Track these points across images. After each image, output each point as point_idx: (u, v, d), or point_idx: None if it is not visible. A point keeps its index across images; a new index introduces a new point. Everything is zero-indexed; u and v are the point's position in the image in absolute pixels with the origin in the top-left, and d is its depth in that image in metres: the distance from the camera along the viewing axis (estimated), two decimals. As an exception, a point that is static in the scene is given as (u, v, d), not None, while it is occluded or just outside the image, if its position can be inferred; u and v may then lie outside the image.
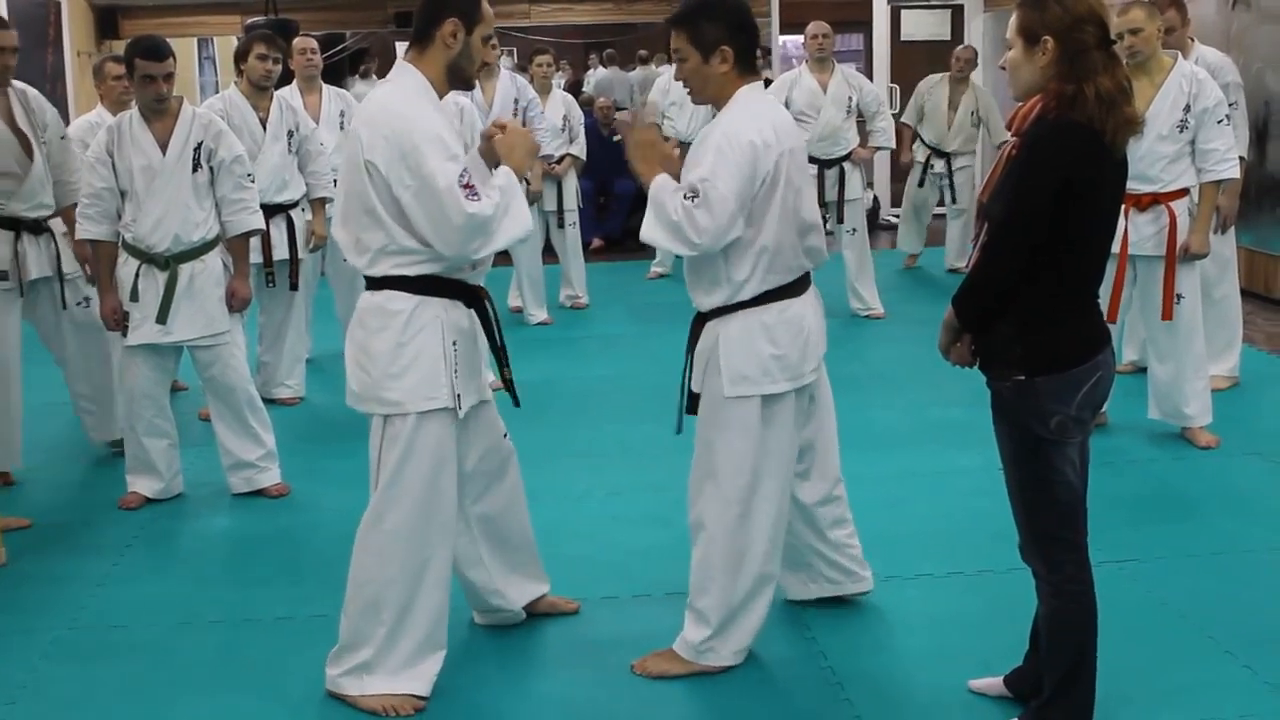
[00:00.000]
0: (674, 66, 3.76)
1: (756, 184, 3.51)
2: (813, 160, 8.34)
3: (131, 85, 5.11)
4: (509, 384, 3.84)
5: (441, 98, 3.58)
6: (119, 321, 5.13)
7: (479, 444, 3.83)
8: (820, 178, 8.34)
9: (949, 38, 12.99)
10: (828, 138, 8.41)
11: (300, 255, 6.67)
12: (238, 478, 5.38)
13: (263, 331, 6.84)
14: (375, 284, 3.57)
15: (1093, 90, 2.93)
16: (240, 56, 6.53)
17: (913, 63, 12.82)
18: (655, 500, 5.09)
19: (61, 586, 4.50)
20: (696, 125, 9.28)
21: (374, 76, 13.29)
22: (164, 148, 5.06)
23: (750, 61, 3.66)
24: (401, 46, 16.33)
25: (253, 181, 5.35)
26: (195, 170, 5.09)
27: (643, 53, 19.35)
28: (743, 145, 3.48)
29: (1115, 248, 5.44)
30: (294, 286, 6.68)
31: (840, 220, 8.43)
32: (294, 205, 6.63)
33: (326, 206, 6.83)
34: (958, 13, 13.46)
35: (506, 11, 12.28)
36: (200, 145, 5.10)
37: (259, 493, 5.39)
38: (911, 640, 3.97)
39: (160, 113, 5.06)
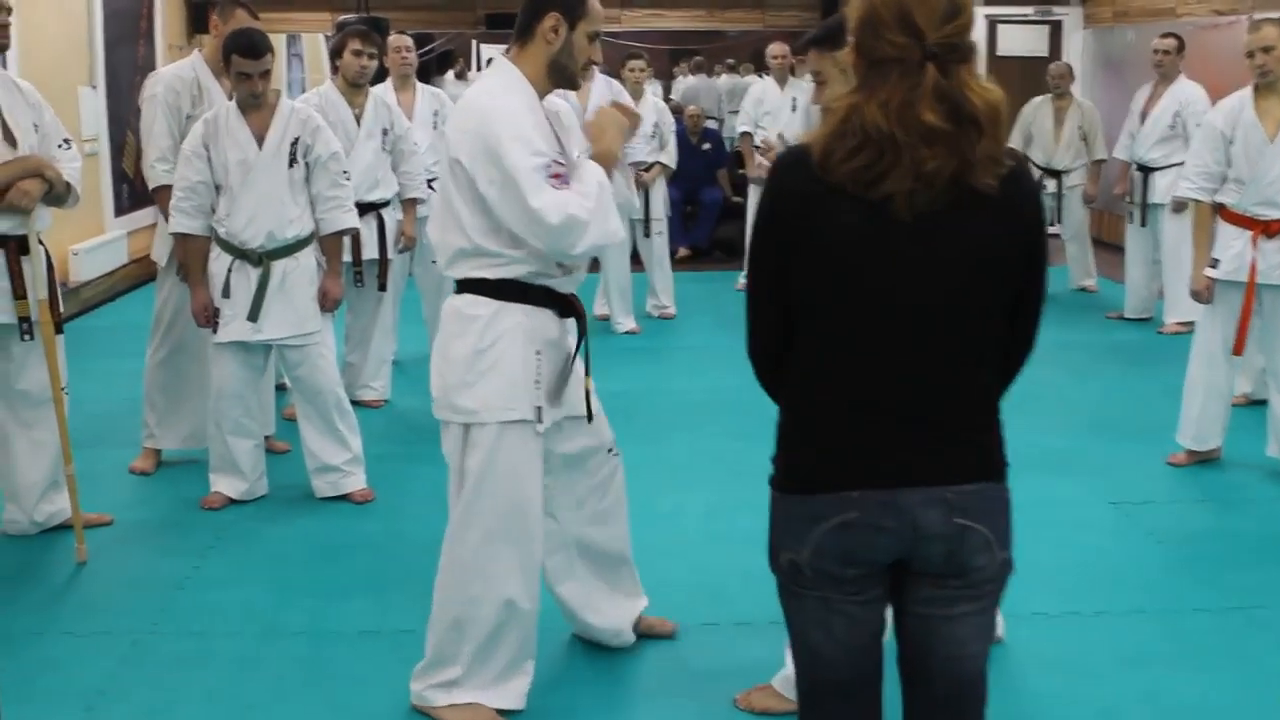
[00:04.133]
0: (811, 88, 3.56)
1: None
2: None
3: (230, 80, 4.99)
4: (589, 405, 3.63)
5: (542, 97, 3.43)
6: (209, 318, 5.02)
7: (580, 457, 3.67)
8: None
9: (1046, 54, 12.68)
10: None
11: (390, 256, 6.55)
12: (322, 481, 5.25)
13: (349, 332, 6.73)
14: (459, 287, 3.47)
15: (842, 111, 2.16)
16: (335, 53, 6.44)
17: (1009, 79, 12.42)
18: (753, 521, 4.86)
19: (142, 589, 4.39)
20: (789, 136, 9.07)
21: (468, 77, 13.23)
22: (260, 142, 4.95)
23: None
24: (487, 49, 16.33)
25: (349, 179, 5.22)
26: (291, 166, 4.97)
27: (730, 61, 19.19)
28: None
29: (1240, 276, 5.30)
30: (382, 287, 6.56)
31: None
32: (385, 204, 6.52)
33: (418, 207, 6.75)
34: (1055, 28, 13.14)
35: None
36: (297, 140, 4.98)
37: (343, 498, 5.26)
38: (1040, 681, 3.76)
39: (257, 107, 4.95)
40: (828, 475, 2.24)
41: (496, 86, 3.40)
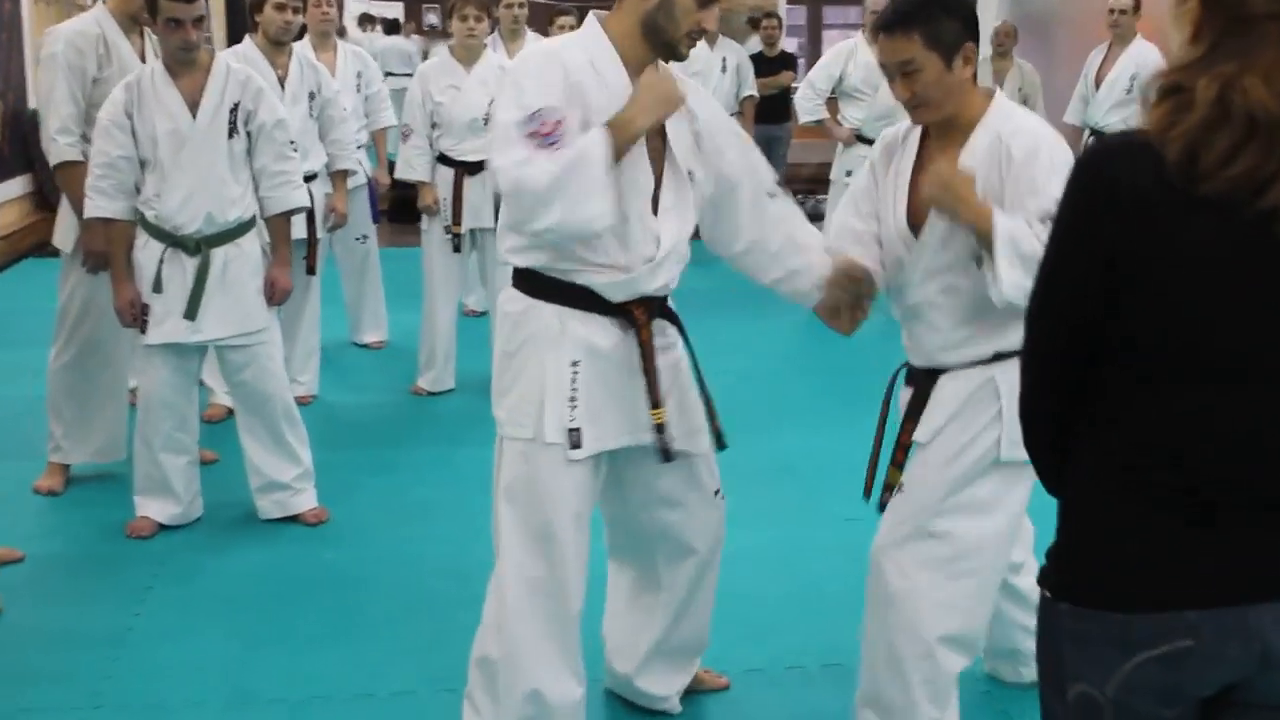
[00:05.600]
0: (891, 83, 2.89)
1: None
2: (867, 141, 7.65)
3: (158, 30, 4.21)
4: (658, 429, 2.99)
5: (638, 69, 2.83)
6: (136, 316, 4.26)
7: (678, 504, 3.10)
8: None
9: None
10: (885, 117, 7.62)
11: (318, 235, 5.81)
12: (268, 501, 4.55)
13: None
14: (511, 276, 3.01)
15: (1214, 91, 1.57)
16: (255, 7, 5.66)
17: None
18: (774, 540, 4.36)
19: (73, 648, 3.64)
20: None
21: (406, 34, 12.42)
22: (194, 109, 4.20)
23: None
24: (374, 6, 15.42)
25: (296, 150, 4.51)
26: (231, 136, 4.24)
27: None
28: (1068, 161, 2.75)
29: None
30: (311, 270, 5.80)
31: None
32: (313, 177, 5.77)
33: (348, 179, 6.05)
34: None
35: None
36: (237, 106, 4.24)
37: (293, 519, 4.57)
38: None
39: (189, 65, 4.20)
40: (1152, 588, 1.66)
41: (559, 38, 2.97)
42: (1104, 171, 1.63)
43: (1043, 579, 1.79)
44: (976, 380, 2.87)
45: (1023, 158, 2.75)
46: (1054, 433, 1.78)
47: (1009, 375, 2.78)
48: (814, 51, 15.62)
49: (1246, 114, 1.54)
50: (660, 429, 2.95)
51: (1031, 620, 3.21)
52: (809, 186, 12.20)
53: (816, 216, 11.65)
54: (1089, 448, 1.74)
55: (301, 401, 5.84)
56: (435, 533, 4.48)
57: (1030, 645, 3.16)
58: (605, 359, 2.89)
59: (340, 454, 5.25)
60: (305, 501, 4.59)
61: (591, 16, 2.88)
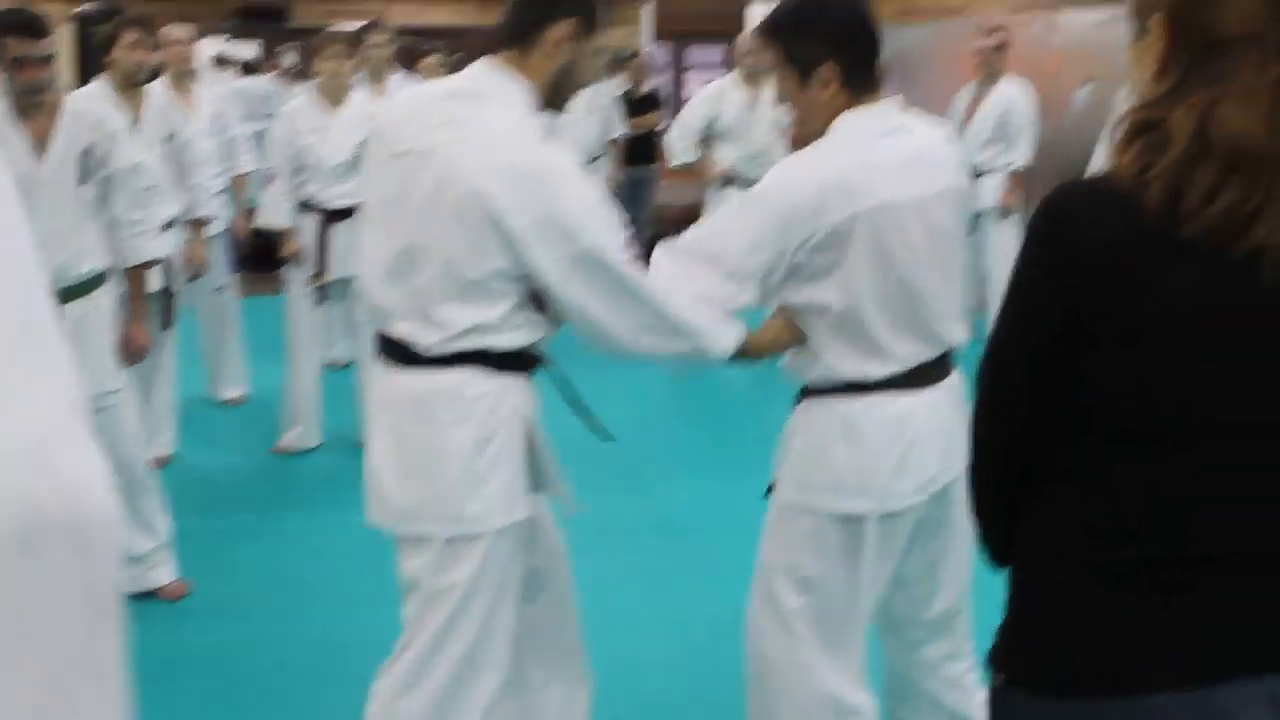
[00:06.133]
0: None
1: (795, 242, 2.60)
2: (740, 181, 7.58)
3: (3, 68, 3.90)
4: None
5: None
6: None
7: (533, 539, 2.89)
8: (748, 201, 7.52)
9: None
10: (758, 157, 7.58)
11: (176, 286, 5.48)
12: (123, 576, 4.21)
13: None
14: (444, 360, 2.61)
15: (1192, 122, 1.44)
16: (107, 46, 5.35)
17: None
18: (660, 603, 4.18)
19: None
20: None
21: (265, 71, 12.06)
22: (42, 153, 3.89)
23: (863, 80, 2.66)
24: (232, 47, 14.99)
25: (154, 197, 4.22)
26: (82, 183, 3.93)
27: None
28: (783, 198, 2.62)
29: None
30: (167, 324, 5.48)
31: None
32: (169, 225, 5.45)
33: (206, 227, 5.76)
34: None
35: (359, 10, 11.19)
36: (88, 150, 3.94)
37: (151, 594, 4.25)
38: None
39: (36, 108, 3.89)
40: (1116, 671, 1.53)
41: (523, 116, 2.59)
42: (1068, 221, 1.50)
43: (995, 661, 1.65)
44: (791, 421, 2.81)
45: None
46: (1005, 501, 1.64)
47: (800, 412, 2.76)
48: (678, 92, 15.61)
49: (1227, 145, 1.41)
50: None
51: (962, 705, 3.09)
52: (676, 227, 12.14)
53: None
54: (1044, 516, 1.61)
55: (158, 463, 5.54)
56: (309, 606, 4.20)
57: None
58: (534, 418, 2.75)
59: (201, 520, 4.93)
60: (164, 575, 4.27)
61: (510, 75, 2.59)
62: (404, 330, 2.61)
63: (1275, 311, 1.45)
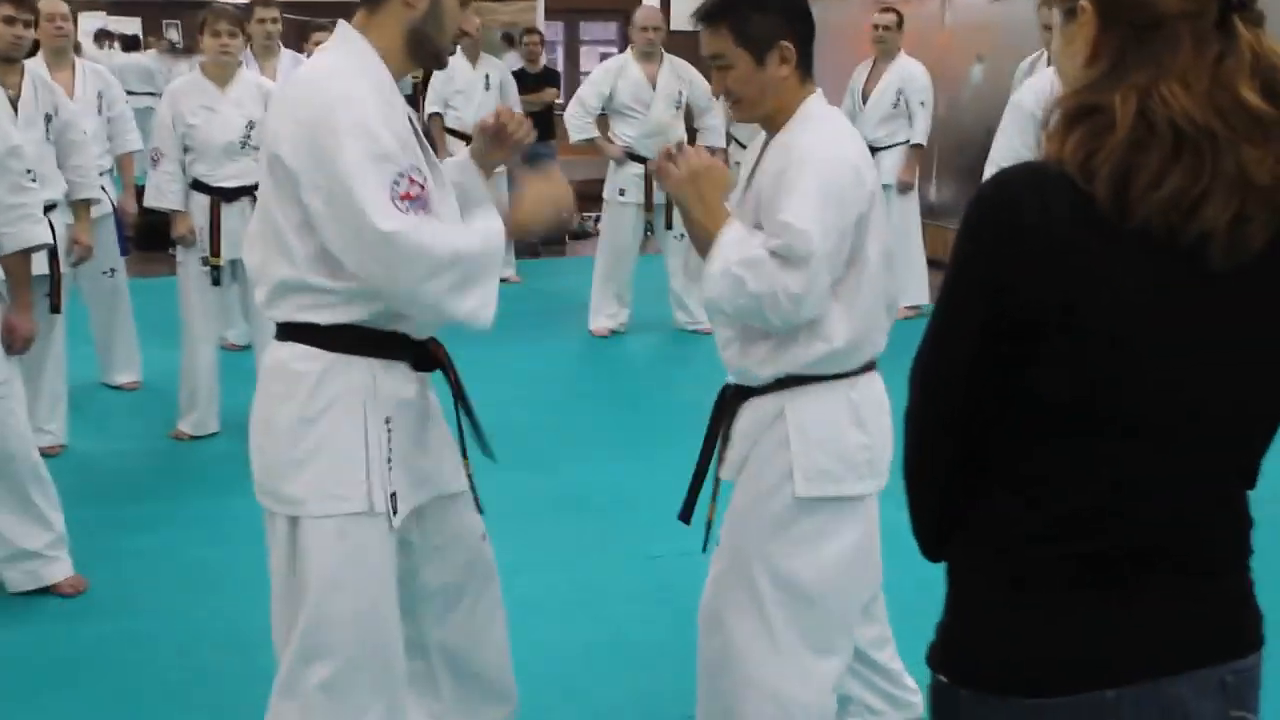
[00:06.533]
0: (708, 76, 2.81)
1: (853, 223, 2.59)
2: (638, 159, 7.54)
3: None
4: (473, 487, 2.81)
5: (399, 78, 2.57)
6: None
7: (445, 550, 2.82)
8: (647, 179, 7.49)
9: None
10: (657, 134, 7.54)
11: (62, 270, 5.29)
12: (18, 571, 4.08)
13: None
14: (282, 332, 2.59)
15: (1133, 104, 1.41)
16: (-21, 19, 5.13)
17: (684, 55, 12.08)
18: (571, 582, 4.14)
19: None
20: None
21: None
22: (-85, 135, 3.73)
23: (810, 63, 2.71)
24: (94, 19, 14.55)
25: (34, 180, 4.06)
26: (-42, 167, 3.78)
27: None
28: (837, 175, 2.58)
29: None
30: (55, 309, 5.28)
31: (669, 225, 7.59)
32: (52, 207, 5.25)
33: (92, 208, 5.56)
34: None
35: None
36: (-37, 133, 3.78)
37: (47, 590, 4.10)
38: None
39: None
40: (1064, 667, 1.49)
41: (338, 62, 2.52)
42: (1007, 209, 1.45)
43: (935, 660, 1.61)
44: (771, 409, 2.73)
45: (780, 171, 2.60)
46: (940, 496, 1.60)
47: (797, 403, 2.68)
48: (572, 68, 15.50)
49: (1170, 125, 1.38)
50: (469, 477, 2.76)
51: (896, 694, 3.10)
52: (578, 203, 12.07)
53: (582, 234, 11.58)
54: (983, 512, 1.57)
55: (49, 453, 5.35)
56: (211, 598, 4.08)
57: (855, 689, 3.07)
58: (410, 410, 2.63)
59: (97, 511, 4.78)
60: (60, 570, 4.12)
61: (353, 34, 2.53)
62: (261, 299, 2.59)
63: (1225, 298, 1.43)
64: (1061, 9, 1.54)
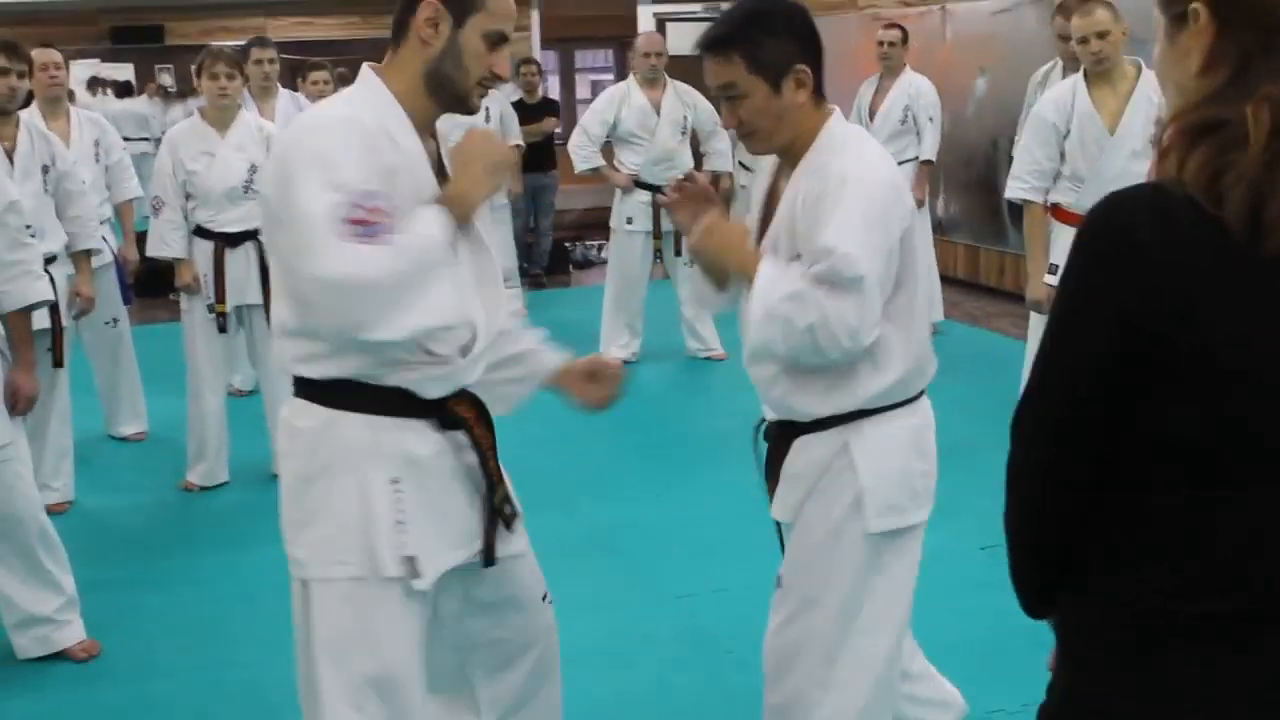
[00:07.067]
0: (717, 107, 2.68)
1: (898, 242, 2.48)
2: (645, 186, 7.43)
3: None
4: (489, 547, 2.57)
5: (427, 125, 2.45)
6: None
7: (498, 610, 2.68)
8: (654, 206, 7.38)
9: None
10: (662, 161, 7.45)
11: (63, 323, 5.16)
12: (28, 638, 3.95)
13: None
14: (293, 386, 2.50)
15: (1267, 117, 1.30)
16: (-28, 71, 5.03)
17: (680, 79, 12.00)
18: (603, 628, 4.01)
19: None
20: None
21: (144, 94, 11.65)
22: (-92, 193, 3.61)
23: (821, 81, 2.58)
24: (109, 69, 14.49)
25: (33, 236, 3.94)
26: (-47, 223, 3.67)
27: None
28: (878, 195, 2.47)
29: None
30: (58, 363, 5.15)
31: (678, 252, 7.47)
32: (52, 260, 5.14)
33: (92, 259, 5.45)
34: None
35: (237, 27, 10.88)
36: (-42, 188, 3.67)
37: (58, 656, 3.97)
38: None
39: (-99, 144, 3.62)
40: None
41: (335, 102, 2.46)
42: (1124, 233, 1.32)
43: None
44: (831, 445, 2.60)
45: (817, 196, 2.47)
46: (1054, 554, 1.47)
47: (863, 436, 2.57)
48: (568, 95, 15.44)
49: None
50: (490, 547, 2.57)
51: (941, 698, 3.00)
52: (576, 232, 11.98)
53: (586, 263, 11.48)
54: (1106, 567, 1.43)
55: (56, 510, 5.23)
56: (229, 656, 3.96)
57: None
58: (425, 469, 2.46)
59: (108, 570, 4.66)
60: (71, 634, 3.99)
61: (368, 72, 2.44)
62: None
63: None
64: (1169, 14, 1.41)
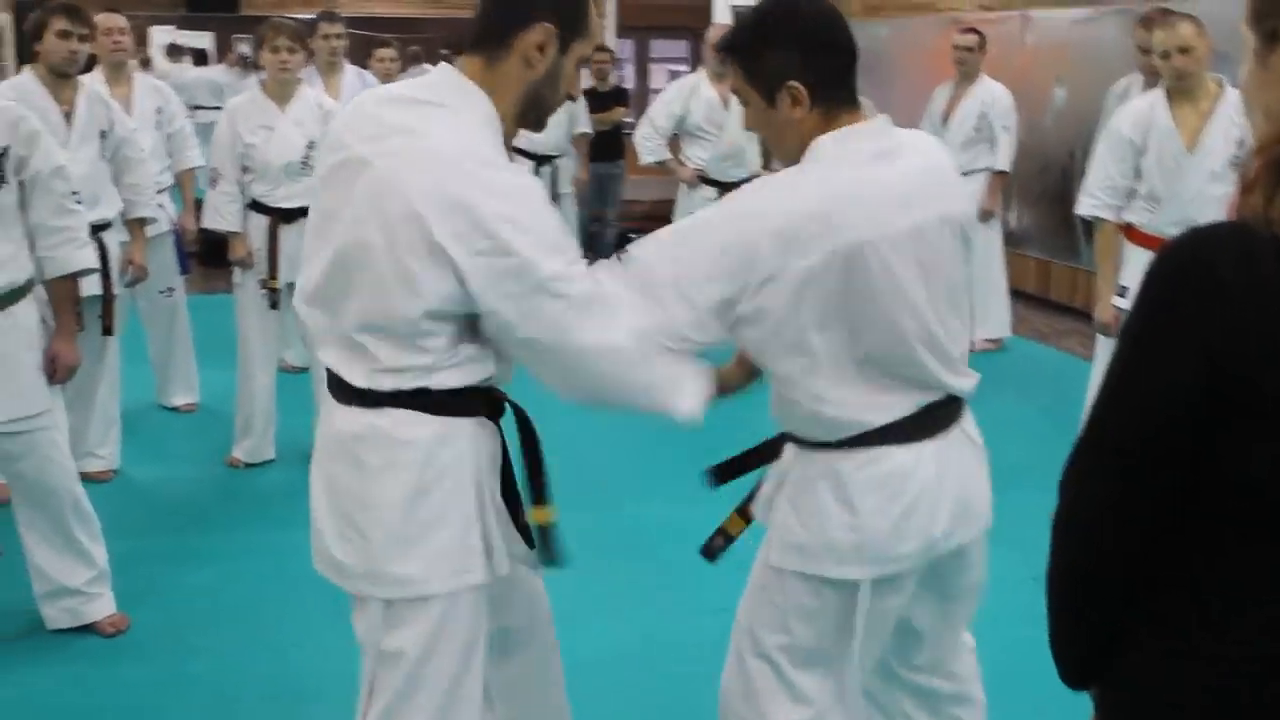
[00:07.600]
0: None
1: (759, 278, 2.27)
2: (712, 183, 7.29)
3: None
4: (526, 531, 2.45)
5: (507, 142, 2.32)
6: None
7: (510, 598, 2.58)
8: (719, 202, 7.24)
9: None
10: (731, 157, 7.30)
11: (115, 291, 5.14)
12: (56, 609, 3.91)
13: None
14: (374, 398, 2.28)
15: None
16: (36, 33, 4.99)
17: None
18: (635, 636, 3.91)
19: None
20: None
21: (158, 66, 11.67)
22: (-45, 155, 3.57)
23: (839, 94, 2.34)
24: (181, 34, 14.54)
25: (79, 203, 3.89)
26: None
27: (445, 51, 18.04)
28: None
29: None
30: (108, 330, 5.13)
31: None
32: (106, 226, 5.12)
33: (147, 227, 5.42)
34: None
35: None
36: (6, 152, 3.62)
37: (87, 628, 3.93)
38: None
39: (-48, 105, 3.57)
40: None
41: (453, 123, 2.23)
42: (1206, 267, 1.22)
43: None
44: (786, 462, 2.51)
45: None
46: (1104, 612, 1.35)
47: (799, 465, 2.46)
48: (642, 86, 15.31)
49: None
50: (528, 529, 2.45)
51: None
52: (642, 223, 11.88)
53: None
54: (1170, 637, 1.31)
55: (100, 478, 5.24)
56: (259, 639, 3.90)
57: None
58: (495, 467, 2.38)
59: (144, 542, 4.63)
60: (101, 608, 3.95)
61: (471, 88, 2.26)
62: (332, 359, 2.32)
63: None
64: (1259, 32, 1.28)
